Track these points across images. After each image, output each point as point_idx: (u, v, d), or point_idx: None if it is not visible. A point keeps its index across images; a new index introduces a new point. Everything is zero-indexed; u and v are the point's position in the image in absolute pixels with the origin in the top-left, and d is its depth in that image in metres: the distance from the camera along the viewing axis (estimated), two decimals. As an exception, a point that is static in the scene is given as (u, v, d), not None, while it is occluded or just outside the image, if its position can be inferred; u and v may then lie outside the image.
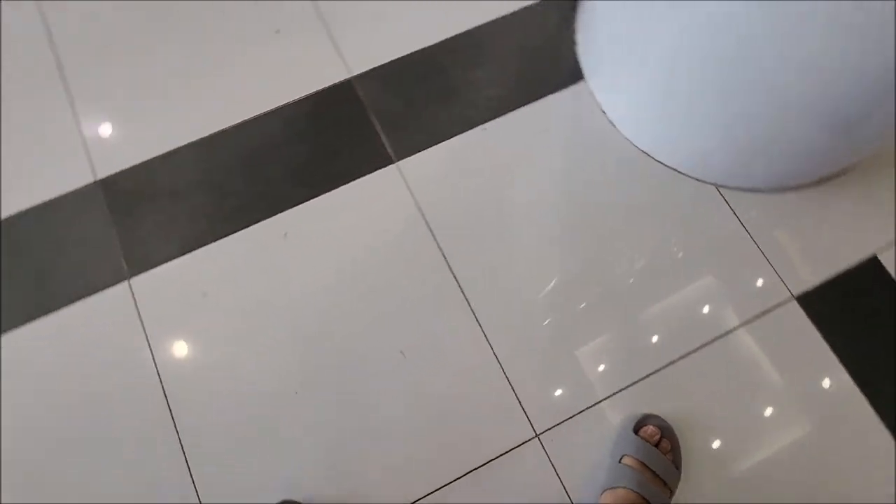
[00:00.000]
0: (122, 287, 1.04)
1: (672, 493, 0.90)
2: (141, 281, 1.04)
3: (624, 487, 0.86)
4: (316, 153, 1.14)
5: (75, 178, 1.11)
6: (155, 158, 1.13)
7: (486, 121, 1.16)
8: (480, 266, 1.06)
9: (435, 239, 1.08)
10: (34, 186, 1.11)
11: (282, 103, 1.17)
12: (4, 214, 1.09)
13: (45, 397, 0.98)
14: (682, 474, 0.92)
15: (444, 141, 1.14)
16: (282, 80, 1.19)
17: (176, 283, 1.04)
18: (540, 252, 1.07)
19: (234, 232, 1.08)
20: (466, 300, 1.04)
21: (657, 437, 0.91)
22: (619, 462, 0.89)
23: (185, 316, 1.03)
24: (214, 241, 1.07)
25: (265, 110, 1.17)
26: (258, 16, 1.23)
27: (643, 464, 0.88)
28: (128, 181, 1.11)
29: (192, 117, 1.16)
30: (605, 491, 0.88)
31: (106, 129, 1.15)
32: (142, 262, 1.06)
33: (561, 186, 1.12)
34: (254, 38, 1.22)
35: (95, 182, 1.11)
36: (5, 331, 1.01)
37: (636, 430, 0.92)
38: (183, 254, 1.06)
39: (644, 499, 0.86)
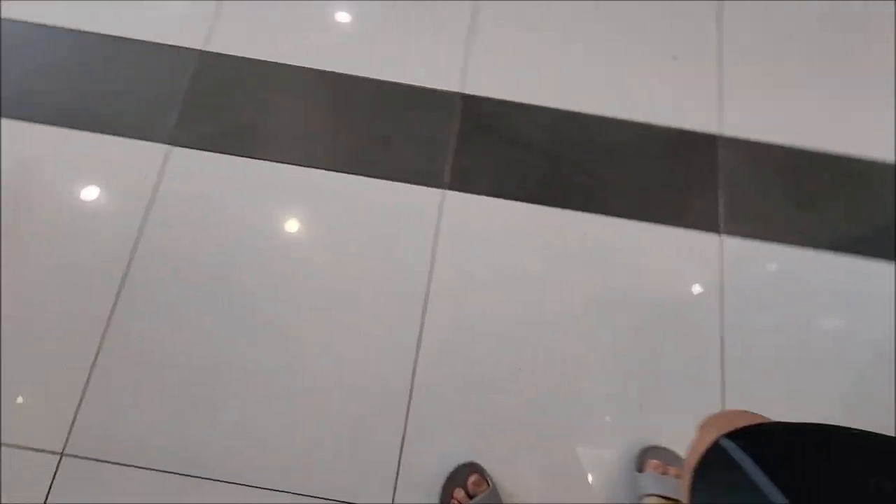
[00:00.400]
0: (436, 192, 1.09)
1: None
2: (453, 197, 1.09)
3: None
4: (652, 181, 1.14)
5: (443, 79, 1.19)
6: (519, 104, 1.17)
7: (826, 248, 1.09)
8: (752, 372, 1.00)
9: (721, 323, 1.03)
10: (406, 67, 1.19)
11: (648, 121, 1.18)
12: (367, 74, 1.18)
13: (331, 241, 1.07)
14: None
15: (777, 243, 1.09)
16: (658, 102, 1.19)
17: (479, 217, 1.08)
18: (817, 395, 1.00)
19: (546, 205, 1.10)
20: (723, 397, 0.98)
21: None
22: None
23: (479, 249, 1.06)
24: (526, 202, 1.10)
25: (631, 119, 1.17)
26: (664, 38, 1.25)
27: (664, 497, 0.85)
28: (486, 108, 1.17)
29: (570, 87, 1.19)
30: None
31: (492, 56, 1.21)
32: (462, 181, 1.11)
33: (863, 347, 1.03)
34: (653, 53, 1.23)
35: (459, 93, 1.18)
36: (321, 168, 1.11)
37: (640, 469, 0.91)
38: (496, 196, 1.10)
39: None
